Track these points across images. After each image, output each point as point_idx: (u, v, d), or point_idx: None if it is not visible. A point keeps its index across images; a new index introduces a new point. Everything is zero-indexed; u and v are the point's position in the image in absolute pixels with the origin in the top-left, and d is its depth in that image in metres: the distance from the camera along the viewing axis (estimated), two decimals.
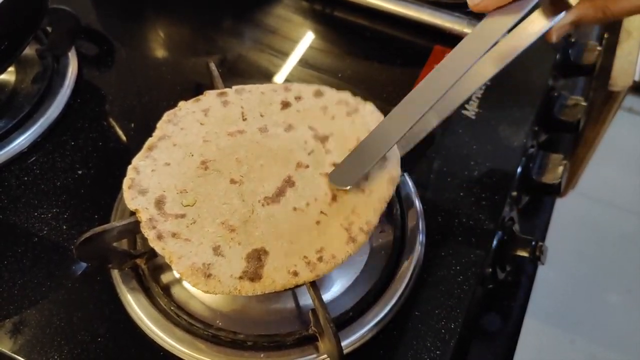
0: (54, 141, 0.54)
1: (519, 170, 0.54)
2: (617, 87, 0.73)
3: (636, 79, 0.71)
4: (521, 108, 0.57)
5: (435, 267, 0.47)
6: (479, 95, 0.58)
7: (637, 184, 1.43)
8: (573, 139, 0.74)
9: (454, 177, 0.52)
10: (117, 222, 0.41)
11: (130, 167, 0.42)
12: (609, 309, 1.26)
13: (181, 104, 0.46)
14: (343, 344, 0.40)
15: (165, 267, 0.46)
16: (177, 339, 0.42)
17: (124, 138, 0.55)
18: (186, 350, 0.41)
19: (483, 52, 0.40)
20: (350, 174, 0.41)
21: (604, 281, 1.30)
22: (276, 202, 0.40)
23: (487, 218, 0.49)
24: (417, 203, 0.49)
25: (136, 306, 0.43)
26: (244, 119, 0.45)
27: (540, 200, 0.63)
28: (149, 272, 0.44)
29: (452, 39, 0.61)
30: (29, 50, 0.57)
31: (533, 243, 0.51)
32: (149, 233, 0.39)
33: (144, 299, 0.43)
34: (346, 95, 0.46)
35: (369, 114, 0.45)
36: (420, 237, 0.47)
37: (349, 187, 0.40)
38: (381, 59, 0.62)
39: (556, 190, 0.56)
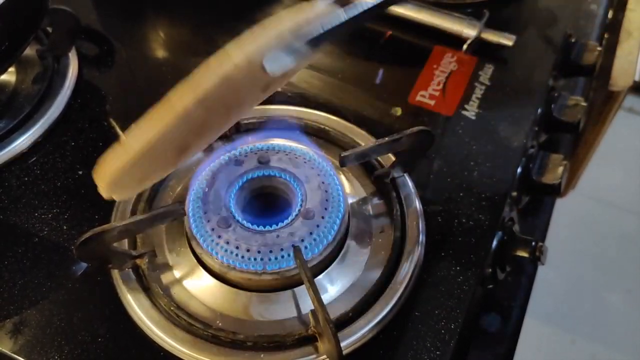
0: (55, 141, 0.54)
1: (519, 170, 0.54)
2: (618, 87, 0.73)
3: (636, 79, 0.71)
4: (521, 108, 0.57)
5: (435, 267, 0.47)
6: (479, 96, 0.58)
7: (637, 184, 1.44)
8: (573, 139, 0.74)
9: (453, 178, 0.52)
10: (117, 223, 0.41)
11: None
12: (609, 309, 1.26)
13: None
14: (343, 344, 0.40)
15: (165, 268, 0.46)
16: (177, 339, 0.42)
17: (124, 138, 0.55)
18: (186, 351, 0.41)
19: None
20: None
21: (604, 281, 1.30)
22: None
23: (487, 218, 0.49)
24: (417, 203, 0.49)
25: (136, 306, 0.43)
26: None
27: (540, 200, 0.63)
28: (149, 272, 0.44)
29: (452, 40, 0.62)
30: (29, 51, 0.57)
31: (533, 243, 0.51)
32: None
33: (144, 299, 0.44)
34: None
35: None
36: (420, 238, 0.47)
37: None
38: (381, 59, 0.62)
39: (556, 191, 0.56)
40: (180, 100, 0.33)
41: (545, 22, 0.66)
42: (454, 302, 0.45)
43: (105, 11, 0.67)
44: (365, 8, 0.37)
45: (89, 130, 0.55)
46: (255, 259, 0.43)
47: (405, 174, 0.50)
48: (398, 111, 0.57)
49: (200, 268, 0.45)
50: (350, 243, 0.47)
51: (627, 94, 0.78)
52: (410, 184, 0.50)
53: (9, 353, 0.43)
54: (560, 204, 0.67)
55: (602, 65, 0.68)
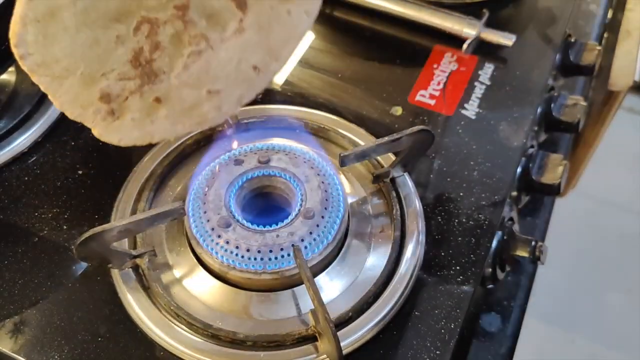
0: (55, 141, 0.54)
1: (519, 170, 0.54)
2: (617, 87, 0.73)
3: (636, 78, 0.71)
4: (521, 108, 0.57)
5: (435, 267, 0.47)
6: (479, 95, 0.58)
7: (637, 183, 1.44)
8: (573, 139, 0.74)
9: (453, 177, 0.52)
10: (117, 222, 0.41)
11: None
12: (609, 308, 1.26)
13: None
14: (343, 344, 0.40)
15: (165, 267, 0.46)
16: (177, 338, 0.42)
17: None
18: (186, 350, 0.41)
19: None
20: None
21: (604, 281, 1.30)
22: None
23: (487, 218, 0.49)
24: (417, 203, 0.49)
25: (136, 306, 0.43)
26: None
27: (540, 200, 0.63)
28: (149, 272, 0.44)
29: (452, 39, 0.62)
30: None
31: (533, 243, 0.51)
32: None
33: (144, 299, 0.44)
34: None
35: None
36: (420, 237, 0.47)
37: None
38: (381, 59, 0.62)
39: (556, 191, 0.56)
40: None
41: (545, 21, 0.66)
42: (453, 301, 0.45)
43: None
44: None
45: (89, 129, 0.55)
46: (255, 259, 0.43)
47: (405, 174, 0.50)
48: (398, 111, 0.57)
49: (200, 268, 0.45)
50: (350, 243, 0.47)
51: (627, 94, 0.78)
52: (410, 183, 0.50)
53: (9, 353, 0.43)
54: (560, 204, 0.67)
55: (602, 65, 0.68)
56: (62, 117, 0.55)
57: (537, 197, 0.62)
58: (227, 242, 0.43)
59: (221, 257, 0.43)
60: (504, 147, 0.54)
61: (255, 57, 0.38)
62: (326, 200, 0.45)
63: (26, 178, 0.51)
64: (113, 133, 0.37)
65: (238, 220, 0.44)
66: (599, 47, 0.66)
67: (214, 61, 0.37)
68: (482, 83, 0.59)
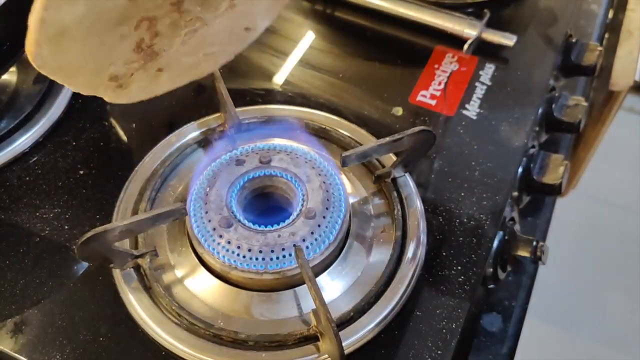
0: (56, 141, 0.54)
1: (519, 170, 0.54)
2: (618, 87, 0.73)
3: (637, 78, 0.71)
4: (522, 108, 0.57)
5: (436, 267, 0.47)
6: (480, 96, 0.58)
7: (638, 183, 1.44)
8: (573, 139, 0.74)
9: (454, 178, 0.52)
10: (118, 222, 0.41)
11: None
12: (609, 308, 1.26)
13: None
14: (344, 343, 0.40)
15: (167, 267, 0.46)
16: (178, 338, 0.42)
17: (125, 138, 0.55)
18: (188, 350, 0.41)
19: None
20: None
21: (605, 281, 1.30)
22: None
23: (488, 218, 0.49)
24: (418, 203, 0.49)
25: (138, 306, 0.43)
26: None
27: (541, 200, 0.63)
28: (151, 272, 0.44)
29: (453, 40, 0.62)
30: None
31: (534, 243, 0.51)
32: None
33: (145, 299, 0.44)
34: None
35: None
36: (421, 237, 0.47)
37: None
38: (382, 60, 0.62)
39: (557, 191, 0.56)
40: None
41: (546, 22, 0.66)
42: (455, 301, 0.45)
43: None
44: None
45: (90, 130, 0.55)
46: (256, 259, 0.43)
47: (406, 174, 0.50)
48: (399, 111, 0.57)
49: (202, 268, 0.45)
50: (352, 243, 0.47)
51: (627, 94, 0.78)
52: (411, 183, 0.50)
53: (11, 352, 0.43)
54: (560, 204, 0.67)
55: (603, 65, 0.68)
56: (63, 118, 0.55)
57: (538, 197, 0.62)
58: (229, 242, 0.43)
59: (223, 257, 0.43)
60: (505, 148, 0.54)
61: (246, 21, 0.41)
62: (327, 200, 0.45)
63: (27, 178, 0.51)
64: (122, 97, 0.41)
65: (239, 220, 0.44)
66: (600, 48, 0.66)
67: (209, 33, 0.40)
68: (483, 83, 0.59)
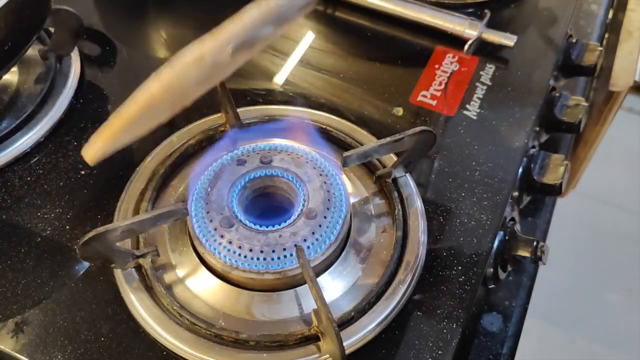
0: (57, 141, 0.54)
1: (520, 170, 0.54)
2: (618, 87, 0.73)
3: (637, 79, 0.71)
4: (522, 108, 0.57)
5: (436, 267, 0.47)
6: (481, 96, 0.58)
7: (638, 183, 1.44)
8: (573, 139, 0.74)
9: (455, 178, 0.52)
10: (120, 222, 0.41)
11: None
12: (609, 308, 1.26)
13: None
14: (345, 343, 0.40)
15: (168, 267, 0.46)
16: (180, 338, 0.42)
17: None
18: (189, 350, 0.42)
19: None
20: None
21: (605, 281, 1.30)
22: None
23: (488, 218, 0.49)
24: (419, 203, 0.49)
25: (139, 306, 0.43)
26: None
27: (541, 200, 0.63)
28: (152, 271, 0.45)
29: (453, 40, 0.62)
30: (32, 51, 0.57)
31: (534, 243, 0.51)
32: None
33: (147, 299, 0.44)
34: None
35: None
36: (422, 238, 0.47)
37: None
38: (383, 60, 0.62)
39: (558, 191, 0.56)
40: (150, 86, 0.39)
41: (546, 22, 0.66)
42: (455, 301, 0.45)
43: (107, 11, 0.67)
44: None
45: (91, 130, 0.55)
46: (257, 259, 0.43)
47: (407, 174, 0.50)
48: (400, 111, 0.57)
49: (203, 267, 0.45)
50: (353, 243, 0.47)
51: (627, 94, 0.78)
52: (411, 183, 0.50)
53: (12, 352, 0.43)
54: (560, 204, 0.67)
55: (603, 65, 0.68)
56: (65, 118, 0.55)
57: (538, 197, 0.62)
58: (230, 242, 0.43)
59: (224, 257, 0.43)
60: (506, 148, 0.54)
61: None
62: (328, 200, 0.45)
63: (29, 178, 0.52)
64: None
65: (241, 220, 0.44)
66: (600, 48, 0.66)
67: None
68: (483, 83, 0.59)
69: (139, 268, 0.45)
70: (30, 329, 0.44)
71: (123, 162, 0.52)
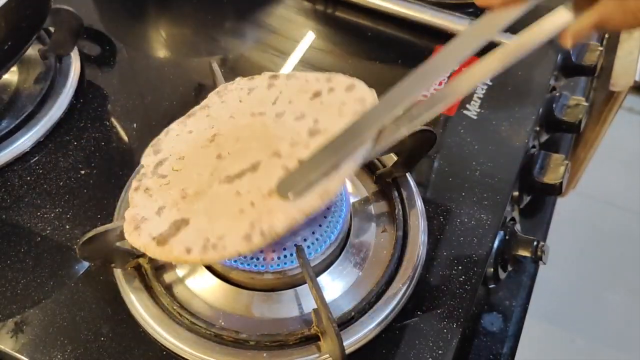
0: (57, 141, 0.54)
1: (520, 170, 0.54)
2: (618, 87, 0.73)
3: (637, 78, 0.71)
4: (523, 108, 0.57)
5: (437, 267, 0.47)
6: (481, 96, 0.58)
7: (638, 183, 1.44)
8: (574, 139, 0.74)
9: (455, 177, 0.52)
10: (119, 222, 0.41)
11: (166, 129, 0.44)
12: (609, 308, 1.26)
13: (238, 79, 0.46)
14: (345, 343, 0.40)
15: (168, 267, 0.46)
16: (179, 338, 0.42)
17: (126, 138, 0.55)
18: (189, 350, 0.42)
19: (477, 48, 0.38)
20: (296, 185, 0.37)
21: (605, 280, 1.30)
22: (230, 182, 0.39)
23: (488, 218, 0.49)
24: (419, 203, 0.49)
25: (139, 305, 0.43)
26: (274, 103, 0.44)
27: (541, 200, 0.63)
28: (152, 271, 0.44)
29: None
30: (32, 51, 0.57)
31: (535, 243, 0.51)
32: (133, 183, 0.41)
33: (146, 299, 0.44)
34: (370, 95, 0.43)
35: None
36: (422, 237, 0.47)
37: (291, 197, 0.37)
38: (383, 59, 0.62)
39: (558, 191, 0.56)
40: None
41: None
42: (455, 301, 0.45)
43: (107, 11, 0.67)
44: None
45: (91, 129, 0.55)
46: (257, 259, 0.43)
47: (407, 174, 0.50)
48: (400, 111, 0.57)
49: (203, 267, 0.45)
50: (353, 242, 0.47)
51: (627, 94, 0.78)
52: (412, 183, 0.50)
53: (12, 352, 0.43)
54: (560, 204, 0.67)
55: (603, 65, 0.68)
56: (65, 117, 0.55)
57: (539, 196, 0.62)
58: None
59: None
60: (506, 147, 0.54)
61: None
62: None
63: (28, 178, 0.52)
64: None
65: None
66: (600, 48, 0.66)
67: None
68: (483, 83, 0.59)
69: (138, 268, 0.45)
70: (30, 328, 0.44)
71: (123, 161, 0.52)
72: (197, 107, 0.45)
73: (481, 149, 0.54)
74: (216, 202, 0.39)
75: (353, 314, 0.43)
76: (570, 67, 0.66)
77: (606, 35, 0.75)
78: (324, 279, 0.45)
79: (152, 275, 0.44)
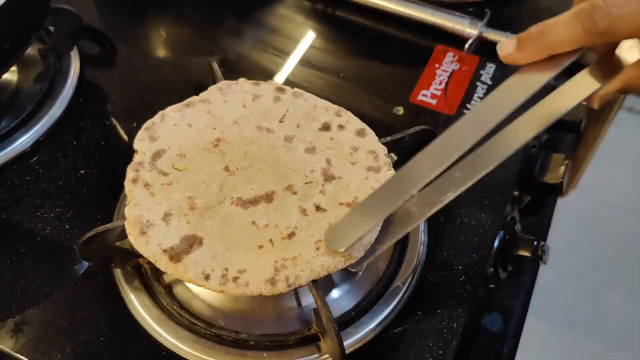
0: (57, 141, 0.54)
1: (520, 170, 0.54)
2: None
3: None
4: (523, 108, 0.57)
5: (437, 266, 0.47)
6: (481, 95, 0.58)
7: (638, 183, 1.44)
8: (574, 139, 0.74)
9: None
10: (119, 222, 0.41)
11: (160, 112, 0.44)
12: (609, 308, 1.26)
13: (241, 80, 0.47)
14: (345, 343, 0.40)
15: None
16: (179, 338, 0.42)
17: (126, 137, 0.55)
18: (189, 350, 0.41)
19: (507, 114, 0.38)
20: (346, 240, 0.38)
21: (605, 281, 1.30)
22: (244, 207, 0.40)
23: (489, 218, 0.49)
24: None
25: (139, 305, 0.43)
26: (281, 121, 0.45)
27: (541, 199, 0.63)
28: (152, 271, 0.44)
29: (454, 39, 0.62)
30: (32, 50, 0.57)
31: (535, 243, 0.51)
32: (129, 172, 0.41)
33: (146, 298, 0.44)
34: (381, 149, 0.44)
35: (385, 179, 0.42)
36: (422, 237, 0.47)
37: (342, 250, 0.38)
38: (383, 59, 0.62)
39: (558, 190, 0.56)
40: None
41: None
42: (456, 301, 0.45)
43: (107, 11, 0.67)
44: None
45: (90, 129, 0.55)
46: None
47: None
48: (400, 110, 0.57)
49: None
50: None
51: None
52: None
53: (12, 352, 0.43)
54: (560, 204, 0.67)
55: None
56: (64, 117, 0.55)
57: (539, 196, 0.62)
58: None
59: None
60: None
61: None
62: None
63: (28, 177, 0.51)
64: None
65: None
66: None
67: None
68: (483, 83, 0.59)
69: (138, 268, 0.45)
70: (30, 328, 0.43)
71: (122, 160, 0.52)
72: (196, 98, 0.45)
73: None
74: (231, 226, 0.39)
75: (353, 314, 0.43)
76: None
77: None
78: (324, 279, 0.45)
79: (152, 275, 0.44)
